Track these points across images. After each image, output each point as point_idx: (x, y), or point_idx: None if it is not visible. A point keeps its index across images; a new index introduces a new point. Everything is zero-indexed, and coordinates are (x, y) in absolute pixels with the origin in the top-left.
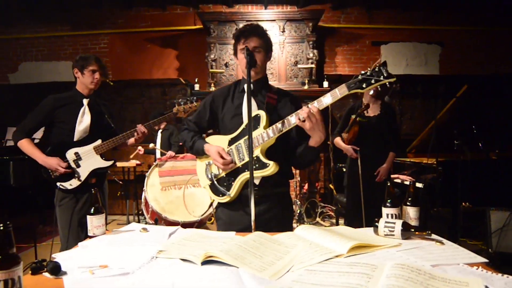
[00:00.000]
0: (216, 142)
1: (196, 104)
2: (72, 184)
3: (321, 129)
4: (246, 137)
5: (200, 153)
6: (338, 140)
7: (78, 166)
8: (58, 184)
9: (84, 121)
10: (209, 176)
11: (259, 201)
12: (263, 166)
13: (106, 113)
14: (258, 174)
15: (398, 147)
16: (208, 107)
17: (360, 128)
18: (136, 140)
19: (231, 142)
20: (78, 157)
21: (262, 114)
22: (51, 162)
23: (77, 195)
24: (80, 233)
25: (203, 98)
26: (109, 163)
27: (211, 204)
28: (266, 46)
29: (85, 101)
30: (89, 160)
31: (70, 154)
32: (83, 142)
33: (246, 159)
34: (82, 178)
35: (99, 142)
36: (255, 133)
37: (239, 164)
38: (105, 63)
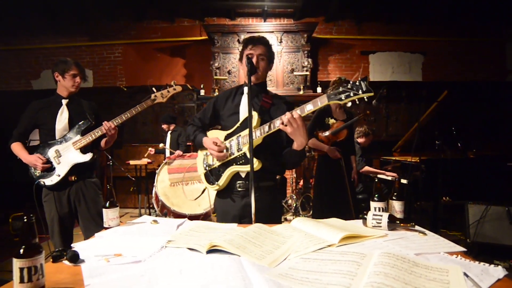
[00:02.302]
0: (214, 136)
1: (175, 87)
2: (53, 180)
3: (302, 134)
4: (239, 134)
5: (200, 145)
6: (316, 141)
7: (59, 163)
8: (39, 180)
9: (62, 119)
10: (204, 166)
11: (245, 193)
12: (248, 162)
13: (88, 111)
14: (243, 168)
15: (354, 150)
16: (211, 106)
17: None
18: (108, 137)
19: (226, 137)
20: (58, 154)
21: (254, 115)
22: (30, 159)
23: (60, 192)
24: (63, 227)
25: (207, 102)
26: (88, 156)
27: (204, 190)
28: (270, 56)
29: (64, 101)
30: (68, 155)
31: (51, 152)
32: (63, 140)
33: (236, 154)
34: (62, 174)
35: (77, 137)
36: (246, 132)
37: (229, 158)
38: (119, 71)
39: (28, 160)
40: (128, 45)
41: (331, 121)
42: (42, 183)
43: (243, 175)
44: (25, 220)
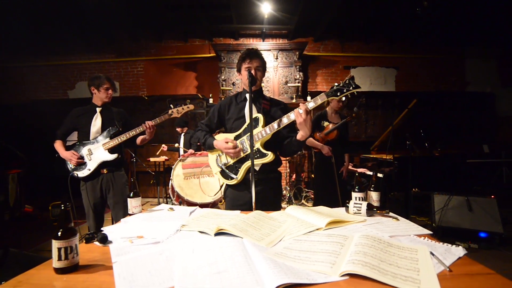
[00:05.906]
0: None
1: (189, 106)
2: (84, 173)
3: (307, 127)
4: (248, 134)
5: (210, 148)
6: (312, 140)
7: (90, 159)
8: (73, 173)
9: (96, 124)
10: (219, 165)
11: (258, 183)
12: (263, 155)
13: (116, 119)
14: (259, 161)
15: (349, 149)
16: (216, 113)
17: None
18: (148, 134)
19: (236, 138)
20: (90, 152)
21: (260, 116)
22: (66, 155)
23: (93, 182)
24: (96, 212)
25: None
26: (114, 156)
27: (221, 186)
28: (264, 65)
29: (97, 109)
30: (98, 154)
31: (84, 150)
32: (96, 141)
33: (249, 151)
34: (92, 168)
35: (107, 140)
36: (255, 131)
37: (243, 154)
38: (141, 83)
39: (64, 155)
40: (149, 61)
41: (326, 123)
42: (76, 175)
43: (257, 168)
44: (62, 207)
